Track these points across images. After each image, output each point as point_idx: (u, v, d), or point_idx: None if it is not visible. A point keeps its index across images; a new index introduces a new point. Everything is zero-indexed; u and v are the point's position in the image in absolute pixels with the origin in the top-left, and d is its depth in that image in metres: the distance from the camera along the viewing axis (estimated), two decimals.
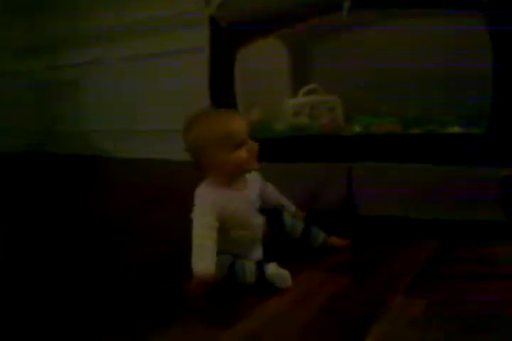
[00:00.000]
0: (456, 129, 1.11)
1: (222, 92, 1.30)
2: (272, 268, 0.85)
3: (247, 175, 0.93)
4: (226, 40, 1.29)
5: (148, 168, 2.36)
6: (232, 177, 0.89)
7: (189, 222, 0.85)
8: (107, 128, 2.78)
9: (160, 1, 2.29)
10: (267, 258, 0.91)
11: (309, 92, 1.46)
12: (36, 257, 1.12)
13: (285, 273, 0.84)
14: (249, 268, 0.85)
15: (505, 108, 0.96)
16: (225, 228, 0.87)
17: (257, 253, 0.94)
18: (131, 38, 2.51)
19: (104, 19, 2.58)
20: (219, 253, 0.87)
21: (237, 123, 0.86)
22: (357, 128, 1.28)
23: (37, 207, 1.66)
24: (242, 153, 0.85)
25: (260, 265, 0.85)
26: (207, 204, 0.85)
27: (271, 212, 0.99)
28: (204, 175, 0.89)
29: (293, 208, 1.03)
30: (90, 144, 2.87)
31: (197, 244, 0.82)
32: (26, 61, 3.12)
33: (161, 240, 1.17)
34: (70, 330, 0.75)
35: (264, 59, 1.52)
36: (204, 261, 0.80)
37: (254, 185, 0.94)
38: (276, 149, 1.26)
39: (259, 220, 0.94)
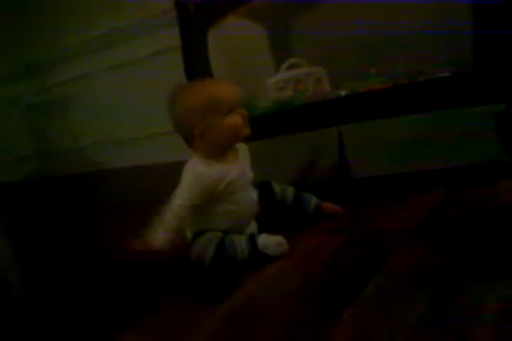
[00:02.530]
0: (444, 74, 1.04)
1: (199, 76, 1.26)
2: (264, 237, 0.80)
3: (237, 146, 0.88)
4: (194, 23, 1.25)
5: (154, 173, 2.33)
6: (226, 145, 0.84)
7: None
8: (104, 139, 2.77)
9: (132, 6, 2.27)
10: (262, 230, 0.87)
11: (292, 66, 1.41)
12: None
13: (278, 238, 0.79)
14: (239, 242, 0.80)
15: (488, 45, 0.90)
16: (218, 202, 0.83)
17: (251, 228, 0.89)
18: (111, 47, 2.49)
19: (81, 32, 2.57)
20: (209, 230, 0.83)
21: (226, 89, 0.83)
22: (343, 93, 1.22)
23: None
24: (236, 118, 0.81)
25: (252, 237, 0.81)
26: (192, 184, 0.80)
27: (260, 184, 0.95)
28: (196, 148, 0.84)
29: None
30: (89, 160, 2.86)
31: (165, 219, 0.79)
32: (10, 87, 3.13)
33: None
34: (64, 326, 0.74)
35: (241, 38, 1.48)
36: (162, 234, 0.78)
37: (245, 156, 0.89)
38: (262, 126, 1.21)
39: (252, 194, 0.89)
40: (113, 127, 2.67)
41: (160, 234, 0.78)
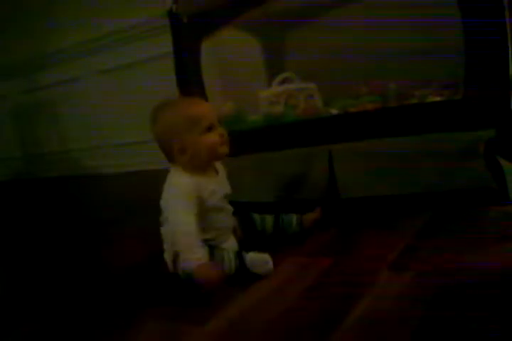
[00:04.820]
0: (435, 99, 1.05)
1: (191, 87, 1.25)
2: (251, 255, 0.80)
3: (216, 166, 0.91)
4: (188, 33, 1.25)
5: (138, 180, 2.30)
6: (204, 162, 0.86)
7: None
8: (91, 145, 2.74)
9: (126, 11, 2.26)
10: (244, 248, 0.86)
11: (284, 81, 1.41)
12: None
13: (265, 256, 0.80)
14: (228, 257, 0.80)
15: (479, 73, 0.91)
16: (202, 210, 0.83)
17: (230, 242, 0.89)
18: (104, 51, 2.47)
19: (71, 36, 2.55)
20: None
21: (204, 107, 0.86)
22: (334, 111, 1.22)
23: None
24: (214, 136, 0.83)
25: (239, 253, 0.81)
26: (184, 190, 0.81)
27: (239, 213, 0.96)
28: (176, 163, 0.85)
29: None
30: (76, 164, 2.83)
31: (183, 231, 0.77)
32: None
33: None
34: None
35: (236, 52, 1.48)
36: (196, 251, 0.76)
37: (223, 173, 0.92)
38: (252, 140, 1.21)
39: (229, 206, 0.90)
40: (101, 132, 2.64)
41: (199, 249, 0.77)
